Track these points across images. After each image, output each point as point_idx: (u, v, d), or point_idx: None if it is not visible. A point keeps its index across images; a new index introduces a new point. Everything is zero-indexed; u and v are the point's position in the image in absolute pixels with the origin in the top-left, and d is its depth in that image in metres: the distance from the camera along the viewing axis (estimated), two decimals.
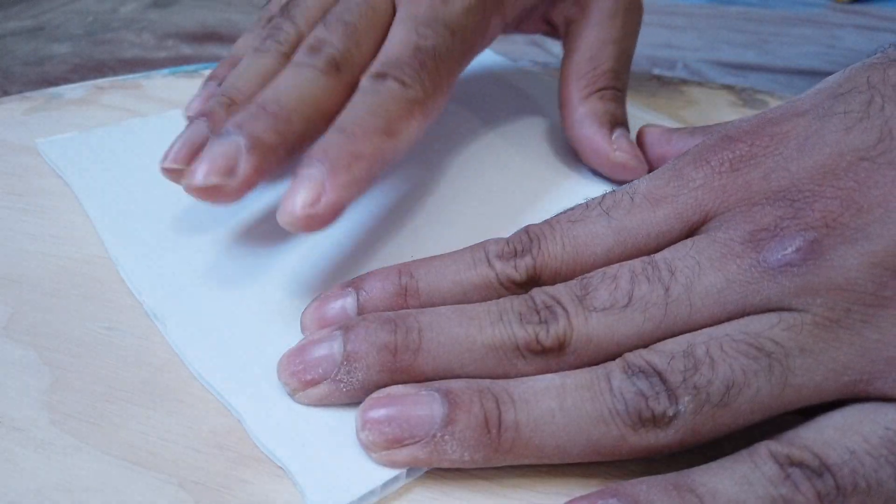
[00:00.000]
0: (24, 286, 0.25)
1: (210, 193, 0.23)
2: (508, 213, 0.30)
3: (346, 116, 0.25)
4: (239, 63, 0.29)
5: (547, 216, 0.23)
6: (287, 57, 0.27)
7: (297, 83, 0.25)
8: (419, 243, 0.28)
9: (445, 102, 0.28)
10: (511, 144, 0.35)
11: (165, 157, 0.25)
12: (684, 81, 0.44)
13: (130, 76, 0.42)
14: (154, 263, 0.26)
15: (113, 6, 0.75)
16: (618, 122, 0.32)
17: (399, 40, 0.27)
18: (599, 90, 0.32)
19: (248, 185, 0.23)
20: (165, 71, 0.43)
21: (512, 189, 0.32)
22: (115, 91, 0.40)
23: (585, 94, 0.32)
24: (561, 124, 0.34)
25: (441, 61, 0.27)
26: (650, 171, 0.31)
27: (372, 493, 0.18)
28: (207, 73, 0.42)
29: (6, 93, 0.52)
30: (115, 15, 0.72)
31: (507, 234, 0.23)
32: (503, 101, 0.39)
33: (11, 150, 0.33)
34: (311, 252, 0.27)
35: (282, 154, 0.24)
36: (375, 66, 0.26)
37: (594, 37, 0.33)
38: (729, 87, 0.43)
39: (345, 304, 0.22)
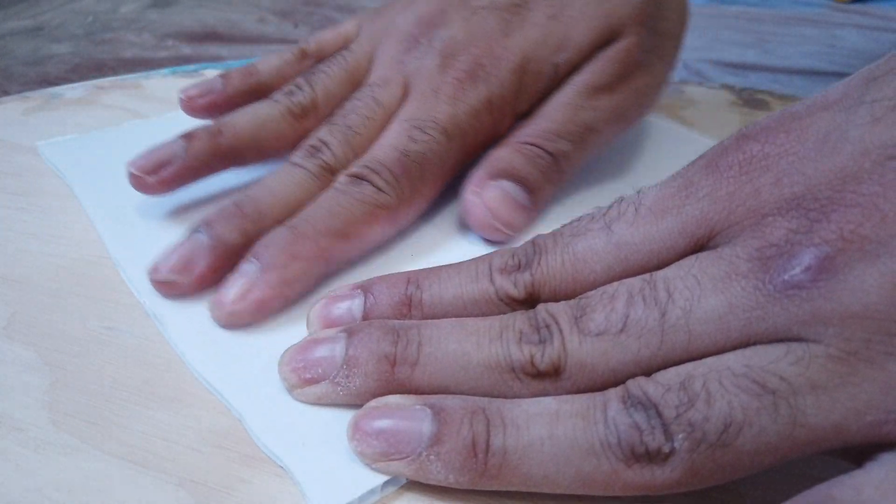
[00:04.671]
0: (24, 286, 0.25)
1: (167, 287, 0.24)
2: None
3: (304, 213, 0.25)
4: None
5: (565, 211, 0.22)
6: (292, 114, 0.29)
7: (285, 182, 0.26)
8: (421, 246, 0.28)
9: (424, 207, 0.28)
10: None
11: (138, 167, 0.27)
12: (684, 81, 0.44)
13: (130, 76, 0.42)
14: None
15: (113, 6, 0.75)
16: (512, 176, 0.27)
17: (389, 142, 0.27)
18: (523, 143, 0.28)
19: (202, 283, 0.24)
20: (165, 71, 0.43)
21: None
22: (114, 91, 0.40)
23: (506, 142, 0.29)
24: None
25: (428, 167, 0.27)
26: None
27: (372, 492, 0.18)
28: (207, 72, 0.43)
29: (6, 93, 0.52)
30: (115, 15, 0.72)
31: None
32: None
33: (11, 150, 0.33)
34: None
35: (244, 252, 0.24)
36: (356, 167, 0.26)
37: (557, 99, 0.30)
38: (729, 87, 0.43)
39: (352, 306, 0.22)
